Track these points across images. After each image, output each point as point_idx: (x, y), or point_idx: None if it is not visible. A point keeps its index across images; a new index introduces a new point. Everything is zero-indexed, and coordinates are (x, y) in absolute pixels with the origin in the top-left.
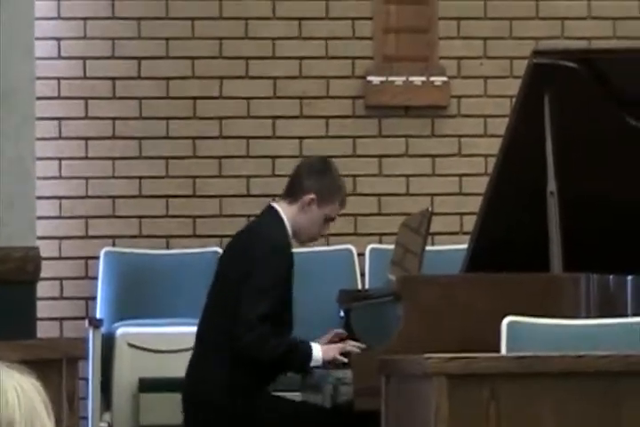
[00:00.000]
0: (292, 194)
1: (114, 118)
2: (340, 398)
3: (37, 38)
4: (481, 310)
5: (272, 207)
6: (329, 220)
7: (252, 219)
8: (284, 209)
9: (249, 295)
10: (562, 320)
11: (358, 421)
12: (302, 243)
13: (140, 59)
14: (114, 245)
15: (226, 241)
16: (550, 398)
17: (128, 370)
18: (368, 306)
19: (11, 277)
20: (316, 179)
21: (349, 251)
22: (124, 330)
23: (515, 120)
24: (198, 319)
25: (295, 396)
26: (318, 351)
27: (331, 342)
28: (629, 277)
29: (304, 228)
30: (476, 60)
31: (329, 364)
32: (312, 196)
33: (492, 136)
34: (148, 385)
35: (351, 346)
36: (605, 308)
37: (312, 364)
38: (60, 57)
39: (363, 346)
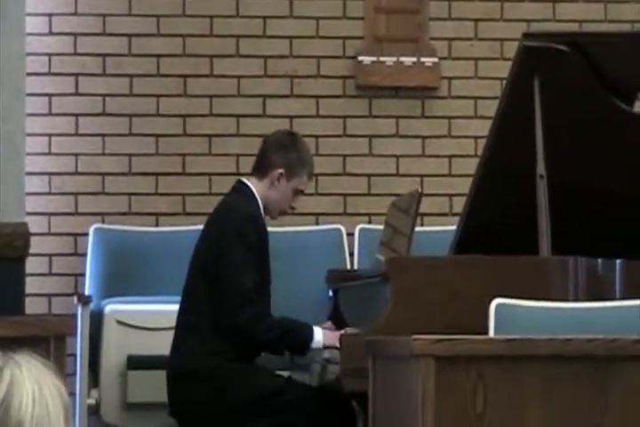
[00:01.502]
0: (260, 170)
1: (104, 95)
2: (328, 378)
3: (28, 14)
4: (469, 292)
5: (243, 183)
6: (298, 193)
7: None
8: (254, 185)
9: (233, 269)
10: (550, 303)
11: (344, 401)
12: (273, 217)
13: (130, 36)
14: (103, 222)
15: None
16: (537, 381)
17: (116, 347)
18: (356, 286)
19: None
20: (283, 153)
21: (338, 231)
22: (112, 307)
23: (505, 102)
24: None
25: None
26: (319, 334)
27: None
28: (618, 261)
29: (275, 202)
30: (466, 42)
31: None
32: (280, 170)
33: (482, 118)
34: (137, 362)
35: None
36: (593, 291)
37: (313, 346)
38: (50, 33)
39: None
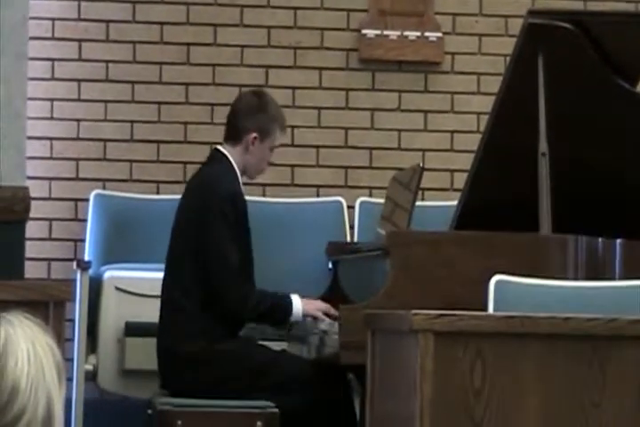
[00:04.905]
0: (233, 136)
1: (107, 61)
2: (326, 350)
3: None
4: (469, 267)
5: (219, 151)
6: (274, 149)
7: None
8: (229, 152)
9: (218, 247)
10: (549, 281)
11: (340, 373)
12: (252, 178)
13: (134, 2)
14: (104, 188)
15: None
16: (536, 359)
17: (114, 314)
18: (357, 259)
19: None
20: (252, 117)
21: (339, 203)
22: (111, 273)
23: (508, 79)
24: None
25: (280, 345)
26: (298, 305)
27: None
28: (618, 241)
29: (253, 165)
30: (471, 18)
31: (309, 318)
32: (254, 134)
33: (485, 94)
34: (134, 329)
35: (334, 311)
36: (593, 270)
37: (292, 319)
38: None
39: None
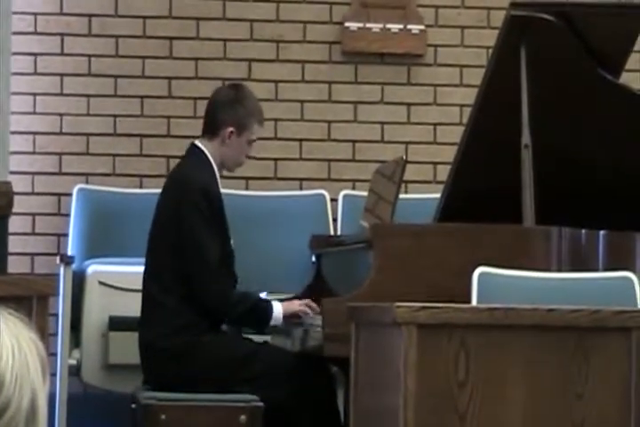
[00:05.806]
0: (210, 130)
1: (89, 55)
2: (310, 343)
3: None
4: (453, 260)
5: (196, 146)
6: (252, 142)
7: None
8: (206, 146)
9: (196, 243)
10: (533, 273)
11: (323, 365)
12: (230, 170)
13: None
14: (87, 182)
15: None
16: (520, 351)
17: (98, 308)
18: (340, 252)
19: None
20: (229, 111)
21: (322, 196)
22: (95, 268)
23: (491, 71)
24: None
25: (264, 339)
26: (279, 309)
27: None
28: (601, 232)
29: (231, 158)
30: (453, 10)
31: (291, 318)
32: (230, 129)
33: (468, 86)
34: (118, 324)
35: (314, 305)
36: (576, 262)
37: (272, 323)
38: None
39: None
